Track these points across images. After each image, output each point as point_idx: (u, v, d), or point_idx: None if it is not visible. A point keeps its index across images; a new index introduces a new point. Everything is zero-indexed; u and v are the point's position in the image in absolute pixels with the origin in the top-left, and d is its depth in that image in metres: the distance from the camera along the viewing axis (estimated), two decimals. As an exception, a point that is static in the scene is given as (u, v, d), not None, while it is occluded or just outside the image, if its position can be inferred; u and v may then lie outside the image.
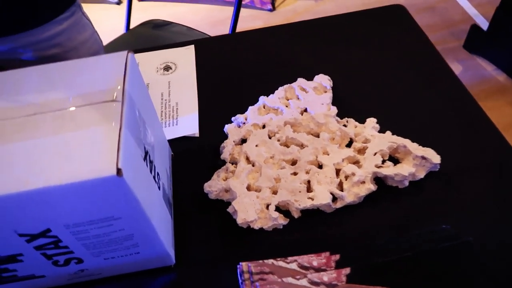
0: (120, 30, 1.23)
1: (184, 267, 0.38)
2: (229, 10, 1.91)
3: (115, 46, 1.06)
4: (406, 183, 0.42)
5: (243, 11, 1.12)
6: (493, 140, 0.45)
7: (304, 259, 0.34)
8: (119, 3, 2.04)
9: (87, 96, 0.31)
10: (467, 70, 1.49)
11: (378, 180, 0.42)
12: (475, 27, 1.49)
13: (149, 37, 1.08)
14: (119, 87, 0.32)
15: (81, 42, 0.66)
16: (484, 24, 1.53)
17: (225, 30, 1.82)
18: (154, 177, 0.35)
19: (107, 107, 0.30)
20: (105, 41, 0.83)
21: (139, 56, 0.60)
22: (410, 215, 0.40)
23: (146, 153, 0.34)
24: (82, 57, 0.35)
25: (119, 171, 0.26)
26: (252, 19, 1.81)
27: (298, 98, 0.49)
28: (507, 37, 1.39)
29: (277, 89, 0.51)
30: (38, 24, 0.59)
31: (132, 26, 1.17)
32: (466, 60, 1.53)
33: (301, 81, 0.50)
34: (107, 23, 1.90)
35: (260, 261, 0.33)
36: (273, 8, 1.87)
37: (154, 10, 1.97)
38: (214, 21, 1.85)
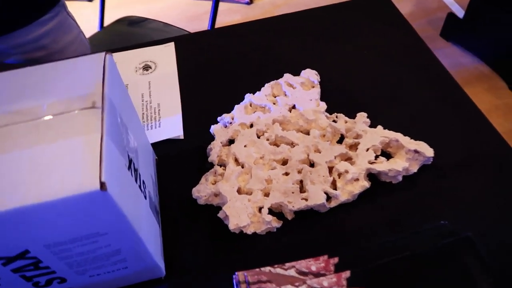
0: (94, 28, 1.19)
1: (175, 278, 0.36)
2: (206, 5, 1.87)
3: (91, 45, 1.02)
4: (400, 178, 0.41)
5: (220, 5, 1.09)
6: (484, 131, 0.45)
7: (302, 264, 0.32)
8: (90, 0, 1.97)
9: (64, 103, 0.29)
10: (444, 58, 1.50)
11: (371, 176, 0.41)
12: (451, 15, 1.51)
13: (125, 34, 1.04)
14: (98, 92, 0.29)
15: (67, 43, 0.63)
16: (460, 12, 1.54)
17: (203, 25, 1.78)
18: (139, 186, 0.33)
19: (86, 115, 0.28)
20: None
21: (116, 56, 0.57)
22: (405, 210, 0.39)
23: (130, 161, 0.32)
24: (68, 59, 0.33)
25: (102, 185, 0.24)
26: (229, 13, 1.78)
27: (286, 95, 0.47)
28: (483, 24, 1.40)
29: (263, 85, 0.49)
30: (21, 25, 0.56)
31: (106, 23, 1.13)
32: (443, 48, 1.54)
33: (287, 76, 0.49)
34: (79, 21, 1.84)
35: (257, 270, 0.32)
36: (251, 1, 1.84)
37: (127, 7, 1.92)
38: (190, 16, 1.82)
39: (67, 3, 0.67)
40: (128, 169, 0.31)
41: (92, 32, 1.10)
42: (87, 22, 1.84)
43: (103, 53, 0.33)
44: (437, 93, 0.48)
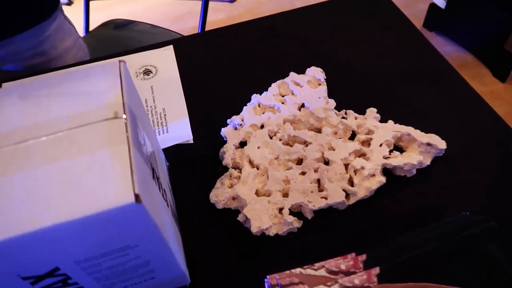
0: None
1: (200, 285, 0.36)
2: (188, 4, 1.85)
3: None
4: (414, 171, 0.41)
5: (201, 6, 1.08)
6: (489, 120, 0.46)
7: (331, 263, 0.32)
8: (69, 3, 1.93)
9: (84, 114, 0.28)
10: (429, 48, 1.53)
11: (385, 170, 0.42)
12: (433, 6, 1.53)
13: (113, 38, 1.02)
14: (118, 102, 0.29)
15: (66, 49, 0.61)
16: (441, 3, 1.56)
17: (187, 25, 1.77)
18: (162, 195, 0.32)
19: (110, 126, 0.27)
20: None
21: (113, 61, 0.56)
22: (423, 203, 0.39)
23: (153, 170, 0.31)
24: (68, 66, 0.32)
25: (137, 197, 0.24)
26: (213, 12, 1.77)
27: (293, 94, 0.47)
28: (465, 14, 1.43)
29: (268, 85, 0.49)
30: (21, 30, 0.54)
31: (89, 27, 1.10)
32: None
33: (293, 75, 0.49)
34: (60, 26, 1.79)
35: (287, 272, 0.32)
36: (233, -1, 1.83)
37: (108, 10, 1.88)
38: (174, 17, 1.79)
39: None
40: (153, 178, 0.30)
41: (76, 37, 1.07)
42: (67, 27, 1.80)
43: (117, 61, 0.32)
44: (438, 84, 0.49)
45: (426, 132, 0.43)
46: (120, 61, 0.32)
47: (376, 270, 0.32)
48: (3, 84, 0.29)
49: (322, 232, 0.38)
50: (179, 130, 0.47)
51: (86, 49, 0.69)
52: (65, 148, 0.26)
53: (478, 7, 1.37)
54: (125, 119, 0.28)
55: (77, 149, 0.26)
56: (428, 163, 0.41)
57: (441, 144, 0.41)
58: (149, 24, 1.08)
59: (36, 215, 0.23)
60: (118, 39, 1.02)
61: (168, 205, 0.34)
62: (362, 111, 0.46)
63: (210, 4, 1.88)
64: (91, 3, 2.00)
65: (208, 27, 1.00)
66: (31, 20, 0.54)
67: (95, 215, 0.23)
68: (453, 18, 1.48)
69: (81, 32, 1.12)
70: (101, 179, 0.25)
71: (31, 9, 0.54)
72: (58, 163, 0.26)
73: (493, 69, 1.41)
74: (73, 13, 1.89)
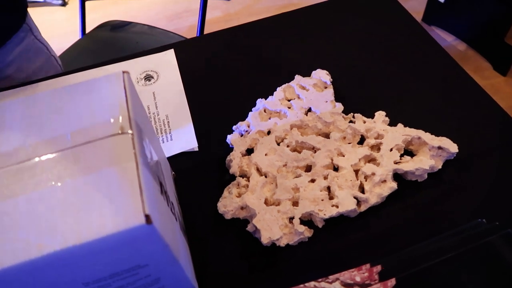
0: (69, 34, 1.14)
1: (211, 299, 0.35)
2: (183, 2, 1.83)
3: (74, 54, 0.98)
4: (425, 176, 0.40)
5: (198, 3, 1.06)
6: (498, 119, 0.45)
7: (346, 275, 0.31)
8: (64, 4, 1.91)
9: (89, 130, 0.27)
10: (428, 42, 1.52)
11: (396, 175, 0.41)
12: (432, 0, 1.52)
13: (110, 40, 1.01)
14: (124, 116, 0.27)
15: (35, 70, 0.57)
16: (440, -4, 1.55)
17: (184, 23, 1.75)
18: (171, 209, 0.31)
19: (116, 142, 0.26)
20: (57, 48, 0.73)
21: (113, 67, 0.55)
22: (436, 209, 0.39)
23: (161, 185, 0.30)
24: (70, 72, 0.31)
25: (148, 218, 0.23)
26: (209, 10, 1.75)
27: (299, 98, 0.46)
28: (464, 7, 1.42)
29: (274, 88, 0.48)
30: None
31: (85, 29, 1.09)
32: (426, 33, 1.55)
33: (299, 78, 0.48)
34: (54, 28, 1.78)
35: (301, 286, 0.31)
36: (230, -3, 1.81)
37: (104, 10, 1.86)
38: (170, 16, 1.78)
39: (38, 8, 0.59)
40: (161, 194, 0.29)
41: (68, 38, 1.06)
42: (61, 28, 1.78)
43: (120, 73, 0.31)
44: (445, 83, 0.48)
45: (436, 134, 0.42)
46: (124, 72, 0.31)
47: (392, 282, 0.31)
48: (4, 99, 0.28)
49: (333, 241, 0.37)
50: (184, 137, 0.46)
51: (60, 68, 0.64)
52: (69, 167, 0.25)
53: (477, 0, 1.36)
54: (131, 134, 0.26)
55: (82, 168, 0.25)
56: (440, 167, 0.41)
57: (453, 148, 0.40)
58: (147, 25, 1.07)
59: (42, 240, 0.22)
60: (115, 41, 1.01)
61: (176, 219, 0.33)
62: (369, 114, 0.45)
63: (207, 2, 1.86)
64: (86, 3, 1.98)
65: (205, 25, 0.99)
66: None
67: (103, 238, 0.23)
68: (452, 11, 1.46)
69: (77, 34, 1.10)
70: (108, 199, 0.24)
71: None
72: (63, 183, 0.24)
73: (493, 62, 1.40)
74: (67, 14, 1.87)
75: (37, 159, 0.26)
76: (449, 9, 1.47)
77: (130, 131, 0.27)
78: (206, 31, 0.85)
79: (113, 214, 0.23)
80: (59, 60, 0.67)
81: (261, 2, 1.78)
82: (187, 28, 1.70)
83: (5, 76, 0.54)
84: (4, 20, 0.50)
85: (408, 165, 0.39)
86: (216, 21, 1.73)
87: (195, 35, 0.89)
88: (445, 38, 1.50)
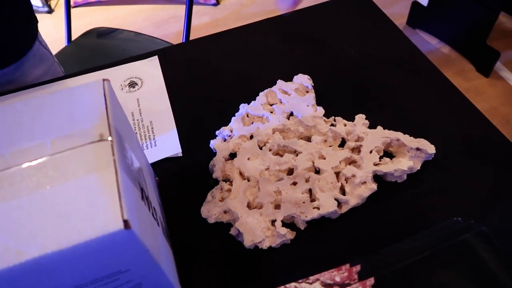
0: (56, 41, 1.14)
1: (195, 302, 0.35)
2: (170, 9, 1.84)
3: (60, 61, 0.98)
4: (405, 177, 0.41)
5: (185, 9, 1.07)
6: (475, 121, 0.46)
7: (326, 276, 0.32)
8: (50, 11, 1.90)
9: (68, 138, 0.27)
10: (413, 45, 1.54)
11: (376, 177, 0.42)
12: (416, 4, 1.54)
13: (97, 47, 1.01)
14: (103, 124, 0.28)
15: (39, 76, 0.58)
16: (424, 1, 1.58)
17: (172, 29, 1.75)
18: (152, 214, 0.32)
19: (95, 149, 0.27)
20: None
21: (97, 74, 0.55)
22: (415, 209, 0.39)
23: (142, 190, 0.30)
24: (51, 80, 0.31)
25: (126, 223, 0.23)
26: (197, 16, 1.76)
27: (282, 102, 0.47)
28: (447, 10, 1.45)
29: (256, 93, 0.49)
30: None
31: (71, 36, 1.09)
32: (410, 36, 1.57)
33: (281, 83, 0.48)
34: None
35: (282, 287, 0.31)
36: (217, 2, 1.82)
37: (90, 17, 1.86)
38: (157, 22, 1.78)
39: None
40: (142, 199, 0.29)
41: (55, 45, 1.05)
42: (48, 35, 1.77)
43: (101, 80, 0.31)
44: (424, 87, 0.49)
45: (415, 136, 0.43)
46: (104, 80, 0.31)
47: (371, 281, 0.31)
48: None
49: (315, 243, 0.38)
50: (167, 143, 0.46)
51: (62, 73, 0.65)
52: (49, 174, 0.26)
53: (460, 4, 1.39)
54: (111, 141, 0.27)
55: (62, 175, 0.25)
56: (418, 168, 0.42)
57: (430, 149, 0.41)
58: (133, 31, 1.07)
59: (21, 247, 0.22)
60: (101, 48, 1.01)
61: (158, 224, 0.33)
62: (350, 117, 0.46)
63: (194, 8, 1.87)
64: (72, 10, 1.97)
65: (192, 31, 0.99)
66: (9, 58, 0.51)
67: (82, 244, 0.23)
68: (435, 15, 1.49)
69: (63, 41, 1.10)
70: (88, 205, 0.24)
71: (8, 48, 0.50)
72: (43, 190, 0.25)
73: (476, 64, 1.43)
74: (54, 21, 1.87)
75: (16, 167, 0.26)
76: (432, 12, 1.49)
77: (109, 138, 0.27)
78: (193, 37, 0.86)
79: (92, 220, 0.23)
80: (61, 67, 0.68)
81: (248, 8, 1.79)
82: (174, 34, 1.70)
83: (10, 79, 0.54)
84: (19, 37, 0.51)
85: (388, 166, 0.40)
86: (204, 27, 1.74)
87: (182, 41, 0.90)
88: (429, 41, 1.53)
